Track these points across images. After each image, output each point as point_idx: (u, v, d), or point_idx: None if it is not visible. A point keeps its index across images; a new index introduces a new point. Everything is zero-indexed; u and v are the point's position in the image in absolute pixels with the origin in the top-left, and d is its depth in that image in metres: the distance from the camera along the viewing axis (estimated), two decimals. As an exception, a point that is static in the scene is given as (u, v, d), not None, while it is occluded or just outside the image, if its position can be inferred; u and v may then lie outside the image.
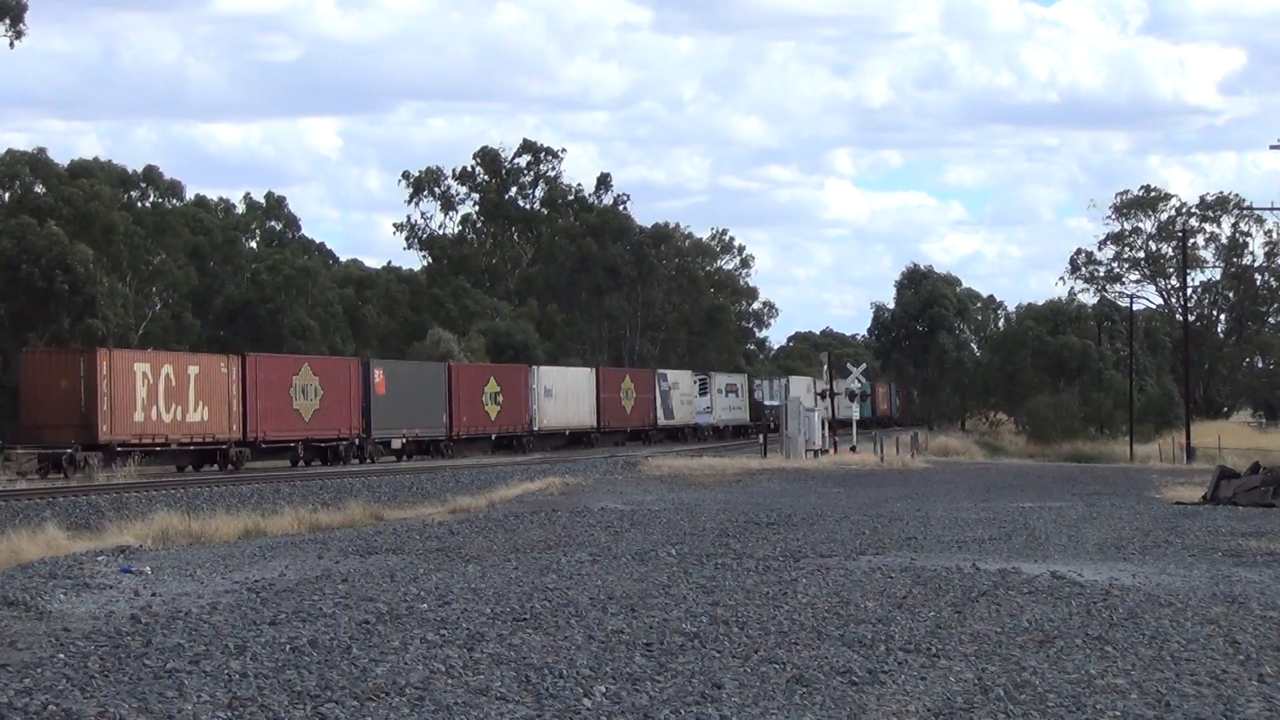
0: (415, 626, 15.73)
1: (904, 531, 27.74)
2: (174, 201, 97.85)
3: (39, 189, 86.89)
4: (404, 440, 64.22)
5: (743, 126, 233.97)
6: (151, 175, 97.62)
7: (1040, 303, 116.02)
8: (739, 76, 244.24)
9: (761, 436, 73.94)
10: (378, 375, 62.94)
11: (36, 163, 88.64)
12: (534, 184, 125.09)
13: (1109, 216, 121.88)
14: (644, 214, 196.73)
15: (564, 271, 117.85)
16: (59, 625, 16.10)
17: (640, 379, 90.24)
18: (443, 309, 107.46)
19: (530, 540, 25.58)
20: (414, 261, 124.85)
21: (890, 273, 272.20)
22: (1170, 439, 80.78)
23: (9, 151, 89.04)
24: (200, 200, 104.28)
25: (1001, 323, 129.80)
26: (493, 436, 72.07)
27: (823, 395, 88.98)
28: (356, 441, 61.10)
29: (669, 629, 15.67)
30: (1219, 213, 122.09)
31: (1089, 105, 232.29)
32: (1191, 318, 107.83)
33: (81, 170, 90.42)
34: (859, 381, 73.16)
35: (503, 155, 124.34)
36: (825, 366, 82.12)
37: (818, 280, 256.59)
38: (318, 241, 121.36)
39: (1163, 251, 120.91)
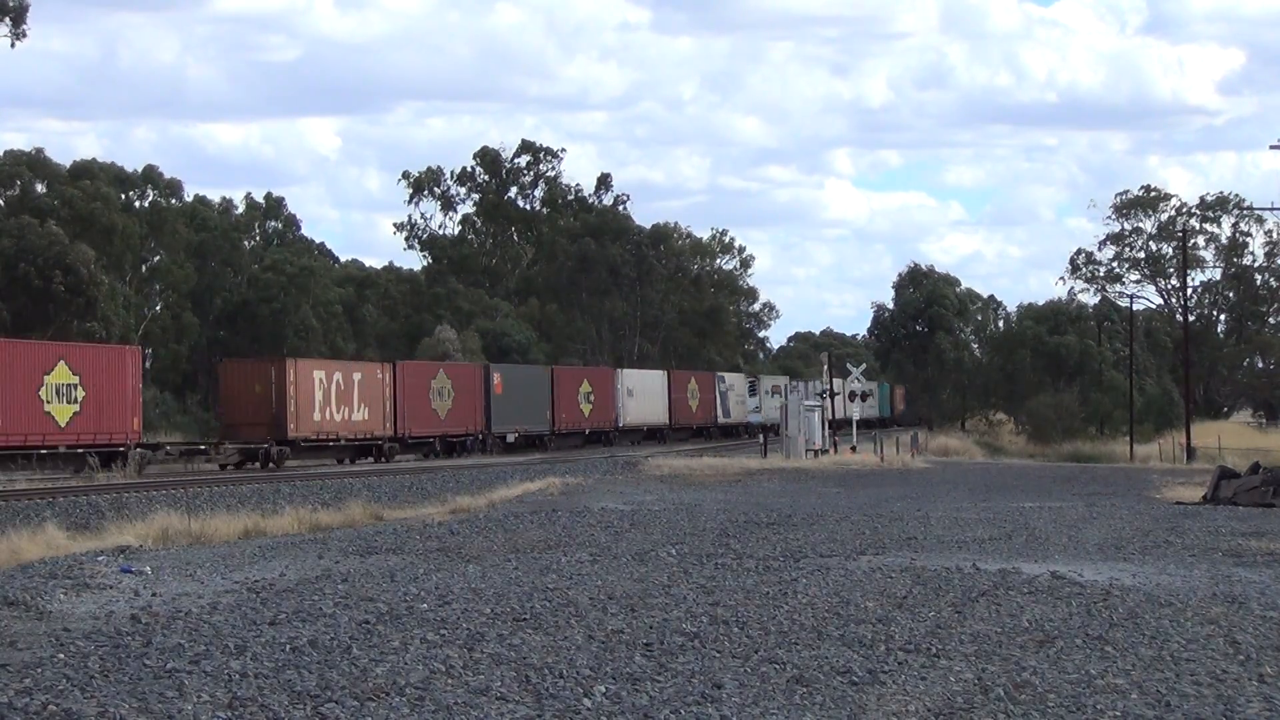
0: (415, 626, 15.72)
1: (904, 531, 27.74)
2: (173, 201, 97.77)
3: (39, 189, 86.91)
4: (516, 435, 72.13)
5: (742, 126, 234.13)
6: (151, 175, 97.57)
7: (1040, 303, 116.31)
8: (738, 76, 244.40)
9: (761, 436, 74.39)
10: (496, 379, 71.25)
11: (37, 163, 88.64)
12: (534, 184, 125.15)
13: (1109, 217, 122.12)
14: (644, 214, 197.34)
15: (564, 272, 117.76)
16: (59, 625, 16.10)
17: (703, 381, 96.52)
18: (442, 309, 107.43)
19: (530, 540, 25.57)
20: (414, 261, 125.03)
21: (890, 273, 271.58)
22: (1170, 439, 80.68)
23: (8, 152, 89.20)
24: (200, 200, 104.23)
25: (1001, 323, 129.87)
26: (586, 431, 79.41)
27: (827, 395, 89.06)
28: (480, 436, 69.05)
29: (669, 629, 15.66)
30: (1219, 213, 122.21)
31: (1088, 105, 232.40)
32: (1191, 318, 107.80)
33: (82, 171, 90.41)
34: (859, 381, 73.18)
35: (502, 155, 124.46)
36: (825, 367, 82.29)
37: (817, 280, 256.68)
38: (317, 241, 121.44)
39: (1163, 251, 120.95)
